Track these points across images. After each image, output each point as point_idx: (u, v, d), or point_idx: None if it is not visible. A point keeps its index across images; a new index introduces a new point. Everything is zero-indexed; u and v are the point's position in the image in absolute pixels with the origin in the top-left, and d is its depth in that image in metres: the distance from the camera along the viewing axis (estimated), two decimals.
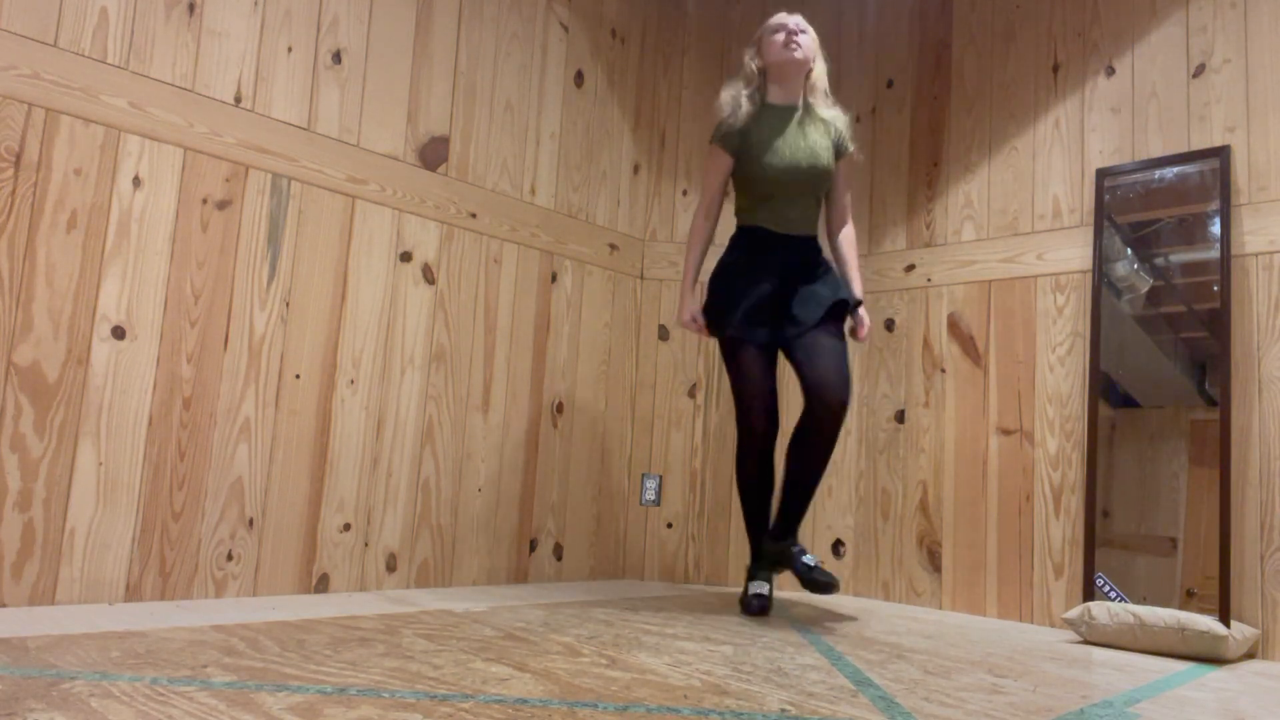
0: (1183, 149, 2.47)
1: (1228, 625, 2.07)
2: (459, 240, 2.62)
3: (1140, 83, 2.59)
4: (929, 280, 2.97)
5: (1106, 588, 2.38)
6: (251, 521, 2.16)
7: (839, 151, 2.47)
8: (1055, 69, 2.77)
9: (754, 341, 2.35)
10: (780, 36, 2.41)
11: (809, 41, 2.43)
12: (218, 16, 2.15)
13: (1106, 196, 2.58)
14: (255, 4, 2.22)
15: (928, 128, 3.06)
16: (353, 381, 2.36)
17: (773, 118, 2.42)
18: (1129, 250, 2.55)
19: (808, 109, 2.45)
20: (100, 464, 1.93)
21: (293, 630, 1.75)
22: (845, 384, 2.28)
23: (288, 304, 2.24)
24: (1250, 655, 2.17)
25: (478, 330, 2.66)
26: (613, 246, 3.08)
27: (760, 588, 2.41)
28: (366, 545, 2.38)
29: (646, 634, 1.96)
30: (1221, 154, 2.37)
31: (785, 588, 3.00)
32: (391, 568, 2.43)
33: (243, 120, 2.18)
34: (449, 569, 2.56)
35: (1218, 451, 2.26)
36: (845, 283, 2.45)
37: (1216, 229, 2.35)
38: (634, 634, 1.95)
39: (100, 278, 1.95)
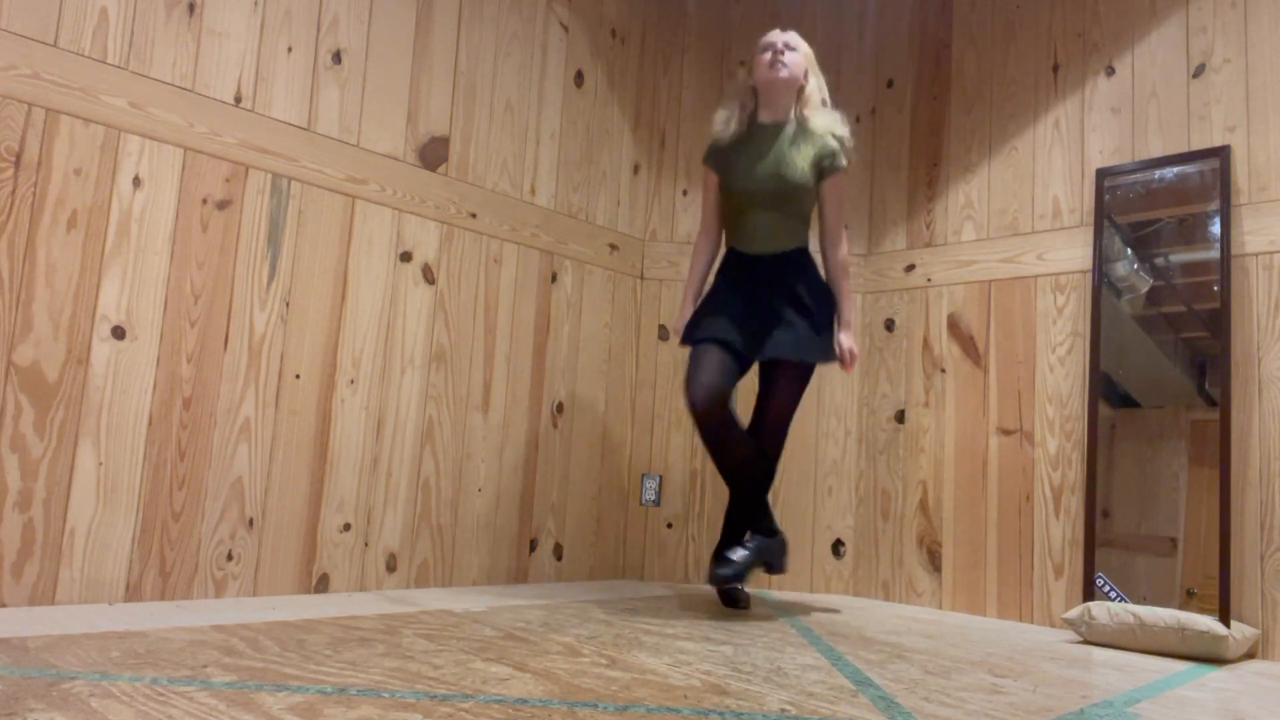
0: (1183, 149, 2.47)
1: (1228, 625, 2.07)
2: (459, 240, 2.62)
3: (1140, 83, 2.59)
4: (929, 280, 2.97)
5: (1106, 588, 2.38)
6: (251, 521, 2.16)
7: (824, 172, 2.39)
8: (1055, 69, 2.77)
9: (717, 341, 2.28)
10: (767, 56, 2.40)
11: (796, 59, 2.40)
12: (218, 16, 2.15)
13: (1106, 196, 2.58)
14: (255, 4, 2.22)
15: (928, 128, 3.06)
16: (353, 381, 2.36)
17: (762, 135, 2.41)
18: (1129, 250, 2.55)
19: (801, 126, 2.41)
20: (100, 464, 1.93)
21: (293, 630, 1.75)
22: (775, 435, 2.39)
23: (288, 304, 2.24)
24: (1250, 655, 2.18)
25: (478, 330, 2.66)
26: (613, 246, 3.08)
27: (731, 567, 2.30)
28: (366, 545, 2.38)
29: (646, 634, 1.96)
30: (1221, 154, 2.37)
31: (785, 588, 3.00)
32: (391, 568, 2.43)
33: (243, 120, 2.18)
34: (449, 569, 2.56)
35: (1218, 451, 2.26)
36: (829, 314, 2.39)
37: (1216, 229, 2.35)
38: (634, 634, 1.95)
39: (100, 278, 1.95)
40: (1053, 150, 2.74)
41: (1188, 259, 2.43)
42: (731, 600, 2.41)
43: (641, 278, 3.18)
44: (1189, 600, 2.26)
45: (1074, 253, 2.64)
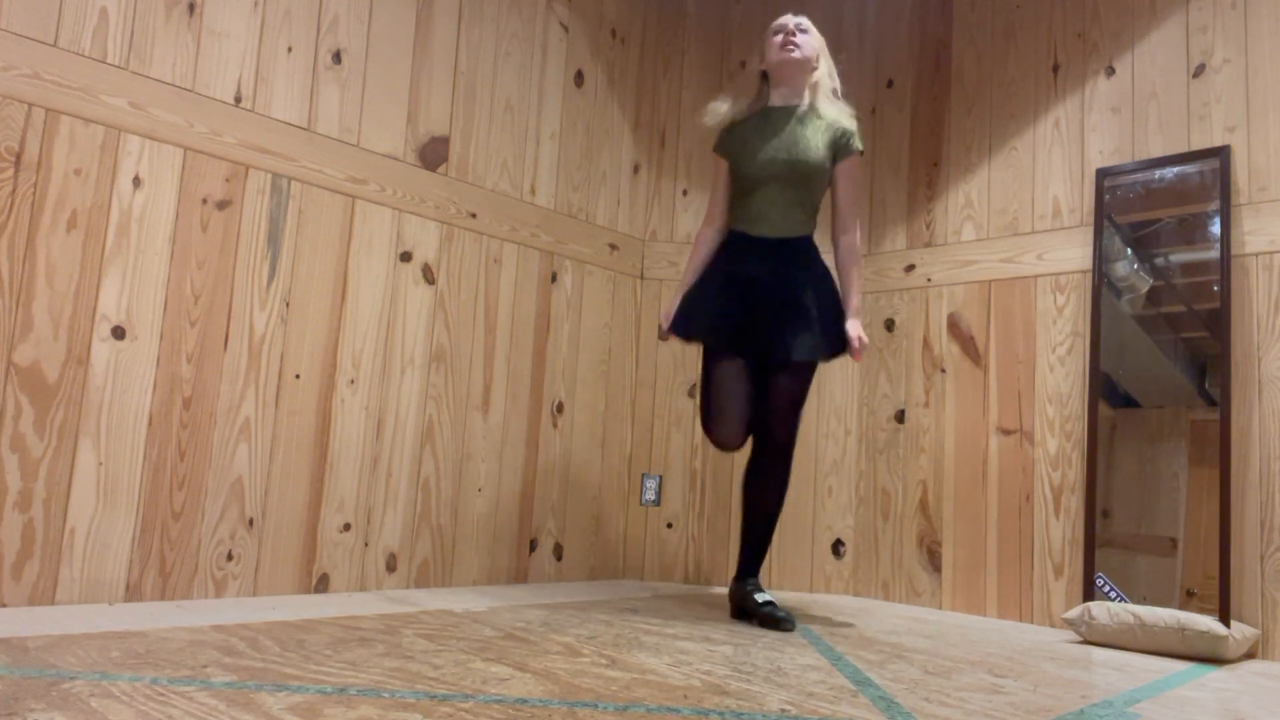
0: (1183, 149, 2.47)
1: (1228, 625, 2.07)
2: (459, 240, 2.62)
3: (1140, 83, 2.59)
4: (929, 280, 2.97)
5: (1106, 588, 2.38)
6: (251, 521, 2.16)
7: (840, 152, 2.34)
8: (1055, 69, 2.77)
9: (722, 348, 2.28)
10: (779, 38, 2.37)
11: (809, 41, 2.37)
12: (218, 16, 2.15)
13: (1106, 196, 2.58)
14: (255, 4, 2.22)
15: (928, 128, 3.06)
16: (353, 381, 2.36)
17: (772, 118, 2.37)
18: (1129, 250, 2.55)
19: (811, 109, 2.37)
20: (100, 464, 1.93)
21: (293, 630, 1.75)
22: (786, 424, 2.26)
23: (288, 304, 2.24)
24: (1250, 655, 2.18)
25: (478, 330, 2.66)
26: (613, 246, 3.08)
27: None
28: (366, 545, 2.38)
29: (646, 634, 1.96)
30: (1221, 154, 2.37)
31: (785, 588, 3.00)
32: (391, 568, 2.43)
33: (243, 120, 2.18)
34: (449, 569, 2.56)
35: (1218, 451, 2.26)
36: (836, 306, 2.31)
37: (1216, 229, 2.35)
38: (634, 634, 1.95)
39: (100, 278, 1.95)
40: (1053, 150, 2.74)
41: (1188, 259, 2.43)
42: (774, 622, 2.19)
43: (641, 278, 3.18)
44: (1189, 600, 2.26)
45: (1074, 253, 2.64)
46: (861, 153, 2.38)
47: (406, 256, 2.49)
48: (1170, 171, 2.49)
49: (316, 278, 2.30)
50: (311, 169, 2.30)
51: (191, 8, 2.11)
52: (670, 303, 2.41)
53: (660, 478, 3.09)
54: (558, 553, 2.86)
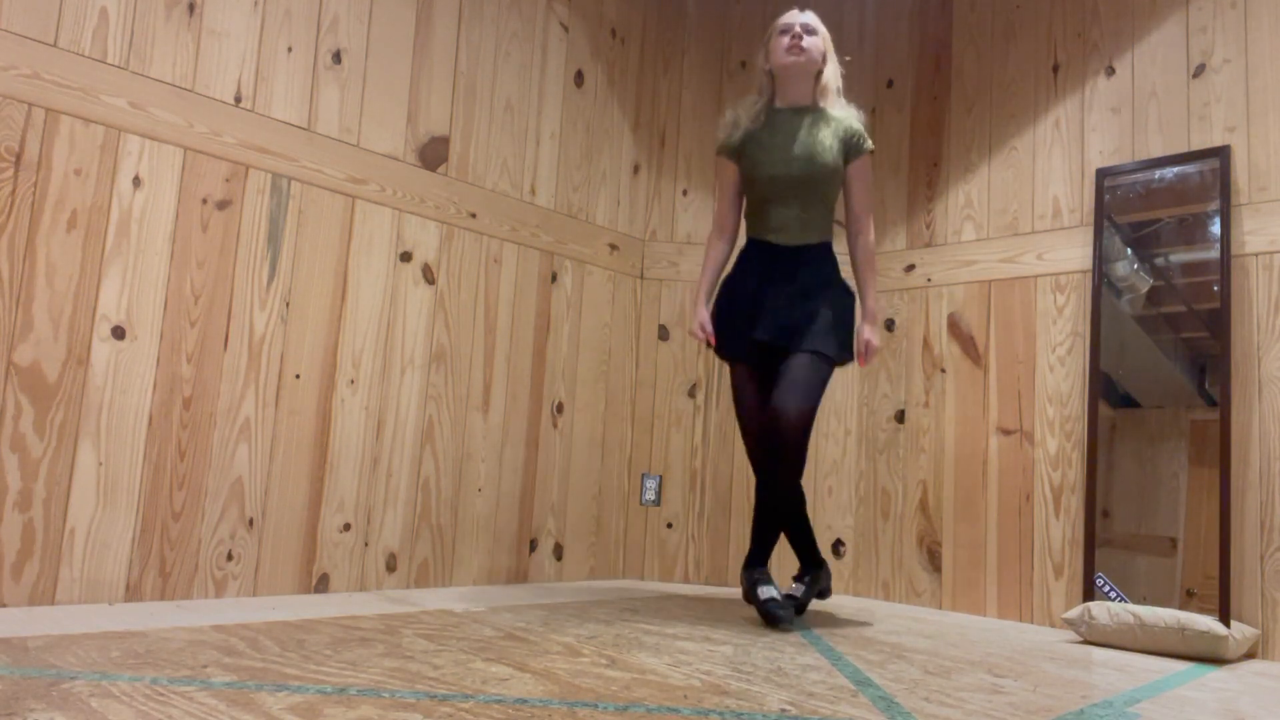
0: (1183, 149, 2.47)
1: (1228, 625, 2.07)
2: (459, 240, 2.62)
3: (1140, 83, 2.59)
4: (929, 280, 2.97)
5: (1106, 588, 2.38)
6: (251, 521, 2.16)
7: (851, 153, 2.32)
8: (1055, 69, 2.77)
9: (744, 361, 2.30)
10: (785, 39, 2.32)
11: (816, 43, 2.33)
12: (218, 16, 2.15)
13: (1106, 196, 2.58)
14: (255, 4, 2.22)
15: (928, 128, 3.06)
16: (353, 381, 2.36)
17: (780, 121, 2.34)
18: (1129, 250, 2.55)
19: (818, 111, 2.35)
20: (100, 464, 1.93)
21: (293, 630, 1.75)
22: (794, 415, 2.16)
23: (288, 304, 2.24)
24: (1250, 655, 2.17)
25: (478, 330, 2.66)
26: (613, 246, 3.08)
27: (769, 591, 2.24)
28: (366, 545, 2.38)
29: (646, 634, 1.96)
30: (1221, 154, 2.37)
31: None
32: (391, 568, 2.43)
33: (243, 120, 2.18)
34: (449, 569, 2.56)
35: (1218, 451, 2.26)
36: (849, 309, 2.31)
37: (1216, 229, 2.35)
38: (634, 634, 1.95)
39: (100, 278, 1.95)
40: (1053, 150, 2.74)
41: (1188, 259, 2.43)
42: (771, 620, 2.19)
43: (641, 278, 3.18)
44: (1189, 600, 2.26)
45: (1074, 253, 2.64)
46: (872, 152, 2.36)
47: (406, 256, 2.49)
48: (1170, 171, 2.49)
49: (316, 278, 2.30)
50: (311, 169, 2.30)
51: (191, 8, 2.11)
52: (694, 314, 2.37)
53: (660, 478, 3.09)
54: (558, 553, 2.86)
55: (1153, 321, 2.48)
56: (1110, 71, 2.66)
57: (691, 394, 3.12)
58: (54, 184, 1.89)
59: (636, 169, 3.20)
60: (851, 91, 3.20)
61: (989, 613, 2.68)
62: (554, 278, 2.89)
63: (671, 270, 3.17)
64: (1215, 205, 2.36)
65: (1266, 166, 2.32)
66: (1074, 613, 2.27)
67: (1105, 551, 2.42)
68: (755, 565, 2.29)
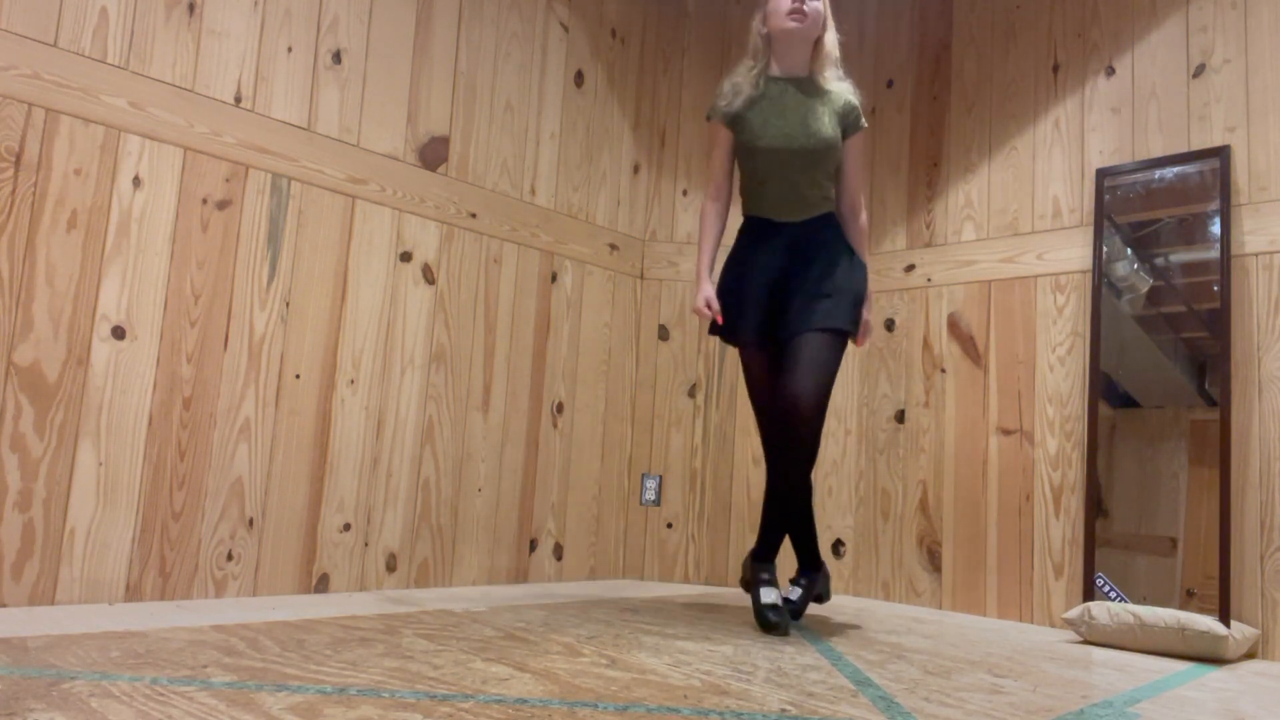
0: (1183, 149, 2.47)
1: (1228, 625, 2.07)
2: (459, 240, 2.62)
3: (1140, 83, 2.59)
4: (929, 280, 2.97)
5: (1106, 588, 2.38)
6: (251, 521, 2.16)
7: (849, 128, 2.25)
8: (1055, 69, 2.77)
9: (756, 346, 2.22)
10: (785, 3, 2.21)
11: (816, 9, 2.23)
12: (218, 16, 2.15)
13: (1106, 196, 2.58)
14: (255, 4, 2.22)
15: (928, 128, 3.06)
16: (353, 381, 2.36)
17: (775, 91, 2.24)
18: (1129, 250, 2.55)
19: (816, 82, 2.25)
20: (100, 464, 1.93)
21: (293, 630, 1.75)
22: (811, 395, 2.08)
23: (288, 304, 2.24)
24: (1250, 655, 2.17)
25: (478, 330, 2.66)
26: (613, 246, 3.08)
27: (770, 595, 2.18)
28: (366, 545, 2.38)
29: (646, 634, 1.96)
30: (1221, 154, 2.37)
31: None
32: (391, 568, 2.43)
33: (243, 120, 2.18)
34: (449, 569, 2.56)
35: (1218, 451, 2.26)
36: (863, 281, 2.24)
37: (1216, 229, 2.35)
38: (634, 634, 1.95)
39: (100, 278, 1.95)
40: (1053, 150, 2.74)
41: (1188, 259, 2.43)
42: (771, 626, 2.12)
43: (641, 278, 3.18)
44: (1189, 600, 2.26)
45: (1074, 253, 2.64)
46: (867, 128, 2.26)
47: (406, 256, 2.49)
48: (1170, 171, 2.49)
49: (316, 278, 2.30)
50: (311, 169, 2.30)
51: (191, 8, 2.11)
52: (697, 292, 2.25)
53: (660, 478, 3.09)
54: (558, 553, 2.86)
55: (1153, 321, 2.48)
56: (1110, 71, 2.66)
57: (691, 394, 3.12)
58: (54, 184, 1.89)
59: (636, 169, 3.20)
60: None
61: (989, 613, 2.68)
62: (554, 278, 2.89)
63: (671, 270, 3.17)
64: (1215, 205, 2.36)
65: (1266, 166, 2.32)
66: (1074, 613, 2.27)
67: (1105, 551, 2.42)
68: (763, 560, 2.23)
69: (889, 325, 3.06)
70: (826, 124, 2.21)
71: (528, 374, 2.79)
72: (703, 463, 3.08)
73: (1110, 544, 2.43)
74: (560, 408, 2.89)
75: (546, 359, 2.85)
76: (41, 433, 1.85)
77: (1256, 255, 2.30)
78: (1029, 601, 2.60)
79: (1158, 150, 2.52)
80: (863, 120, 2.28)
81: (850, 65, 3.24)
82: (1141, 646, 2.16)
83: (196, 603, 2.01)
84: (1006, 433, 2.72)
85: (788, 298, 2.19)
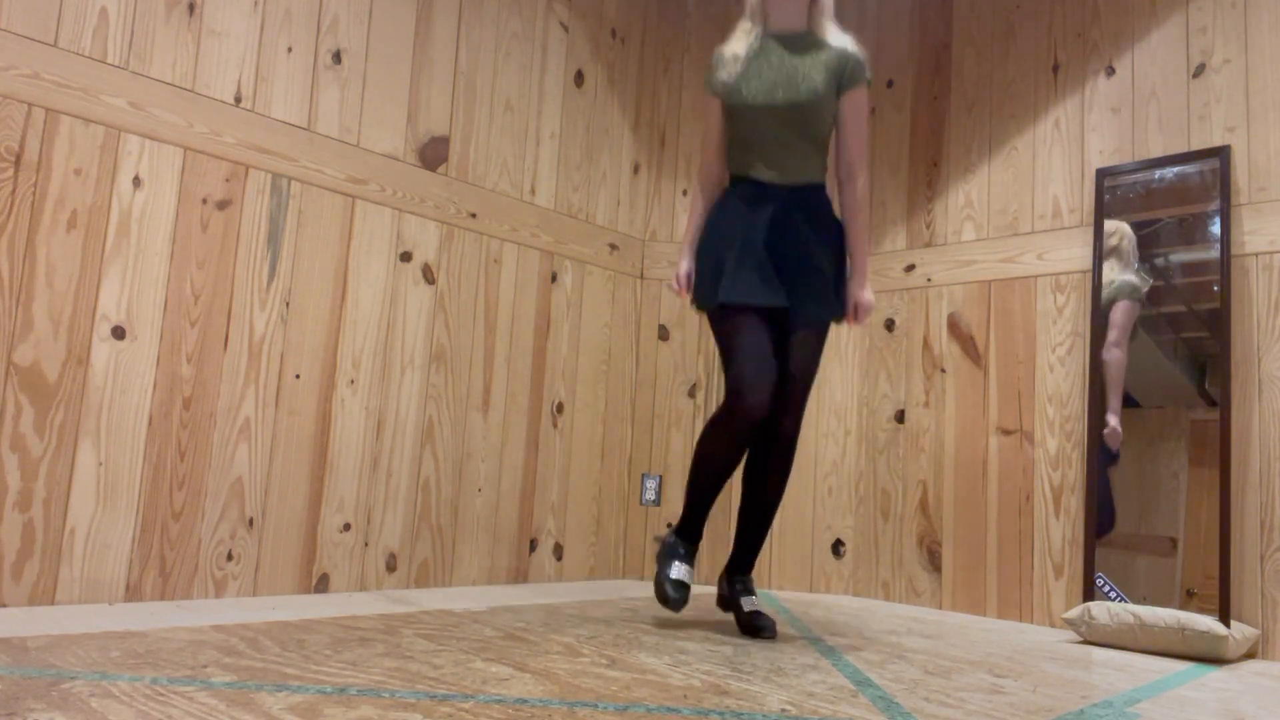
0: (1183, 149, 2.47)
1: (1228, 625, 2.07)
2: (459, 240, 2.62)
3: (1140, 83, 2.59)
4: (929, 280, 2.97)
5: (1106, 588, 2.38)
6: (251, 521, 2.16)
7: (845, 82, 2.08)
8: (1055, 69, 2.77)
9: (747, 304, 2.02)
10: None
11: None
12: (218, 16, 2.15)
13: (1106, 196, 2.58)
14: (255, 4, 2.22)
15: (928, 128, 3.06)
16: (353, 381, 2.36)
17: (768, 49, 2.12)
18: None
19: (811, 36, 2.12)
20: (100, 464, 1.93)
21: (293, 630, 1.75)
22: (797, 406, 2.07)
23: (288, 304, 2.24)
24: (1250, 655, 2.17)
25: (478, 330, 2.66)
26: (613, 246, 3.08)
27: (681, 571, 2.07)
28: (366, 545, 2.38)
29: (646, 634, 1.96)
30: (1221, 154, 2.37)
31: (785, 588, 3.00)
32: (391, 568, 2.43)
33: (243, 120, 2.18)
34: (449, 569, 2.56)
35: (1218, 451, 2.26)
36: (841, 272, 2.12)
37: (1216, 229, 2.35)
38: (634, 634, 1.95)
39: (100, 278, 1.95)
40: (1053, 150, 2.74)
41: (1188, 259, 2.43)
42: (755, 630, 2.06)
43: (641, 278, 3.18)
44: (1189, 600, 2.26)
45: (1074, 253, 2.64)
46: (870, 82, 2.14)
47: (406, 256, 2.49)
48: (1170, 171, 2.49)
49: (316, 278, 2.30)
50: (311, 169, 2.30)
51: (191, 8, 2.11)
52: (682, 259, 2.18)
53: (660, 478, 3.09)
54: (558, 553, 2.86)
55: (1153, 321, 2.48)
56: (1110, 71, 2.66)
57: (691, 394, 3.12)
58: (54, 184, 1.89)
59: (636, 169, 3.20)
60: None
61: (989, 613, 2.68)
62: (554, 278, 2.89)
63: (672, 270, 3.16)
64: (1215, 205, 2.36)
65: (1266, 166, 2.32)
66: (1074, 613, 2.27)
67: (1105, 551, 2.42)
68: (691, 541, 2.14)
69: (889, 325, 3.06)
70: (816, 78, 2.06)
71: (528, 374, 2.79)
72: None
73: (1110, 544, 2.43)
74: (560, 408, 2.89)
75: (546, 359, 2.85)
76: (41, 433, 1.85)
77: (1256, 255, 2.30)
78: (1029, 601, 2.60)
79: (1158, 150, 2.52)
80: (865, 72, 2.11)
81: None
82: (1141, 646, 2.16)
83: (196, 603, 2.01)
84: (1006, 433, 2.72)
85: (785, 269, 2.05)
